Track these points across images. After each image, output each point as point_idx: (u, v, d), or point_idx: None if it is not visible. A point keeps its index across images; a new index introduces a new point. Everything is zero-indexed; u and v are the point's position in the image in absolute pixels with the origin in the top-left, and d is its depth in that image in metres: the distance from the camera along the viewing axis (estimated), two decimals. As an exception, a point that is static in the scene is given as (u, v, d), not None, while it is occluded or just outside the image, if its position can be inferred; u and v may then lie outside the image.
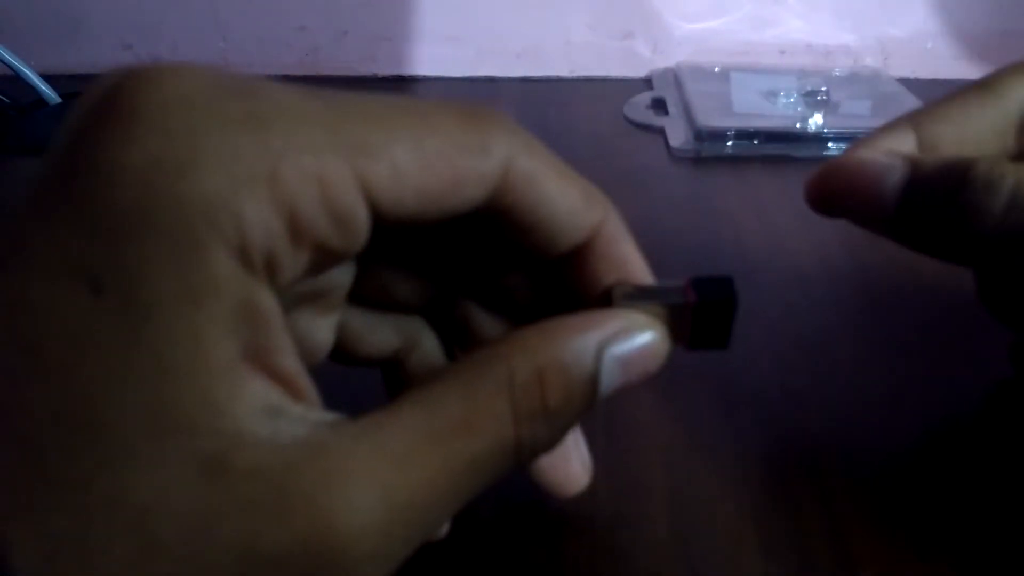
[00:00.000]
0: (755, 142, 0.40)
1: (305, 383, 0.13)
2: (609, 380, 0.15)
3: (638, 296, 0.16)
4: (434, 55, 0.48)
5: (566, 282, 0.17)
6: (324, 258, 0.13)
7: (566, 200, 0.15)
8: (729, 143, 0.40)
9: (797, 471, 0.22)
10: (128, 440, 0.11)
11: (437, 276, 0.18)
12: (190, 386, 0.11)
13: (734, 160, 0.40)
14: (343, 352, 0.18)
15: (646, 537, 0.20)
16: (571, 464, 0.19)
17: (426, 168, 0.13)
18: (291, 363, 0.13)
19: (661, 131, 0.42)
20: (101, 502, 0.11)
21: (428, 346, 0.19)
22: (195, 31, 0.47)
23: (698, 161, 0.40)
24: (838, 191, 0.19)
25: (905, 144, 0.20)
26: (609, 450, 0.22)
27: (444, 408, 0.13)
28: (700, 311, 0.16)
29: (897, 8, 0.49)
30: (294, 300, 0.15)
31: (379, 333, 0.18)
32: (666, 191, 0.37)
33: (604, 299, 0.16)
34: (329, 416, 0.13)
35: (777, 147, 0.40)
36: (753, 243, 0.32)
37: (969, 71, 0.50)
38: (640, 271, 0.17)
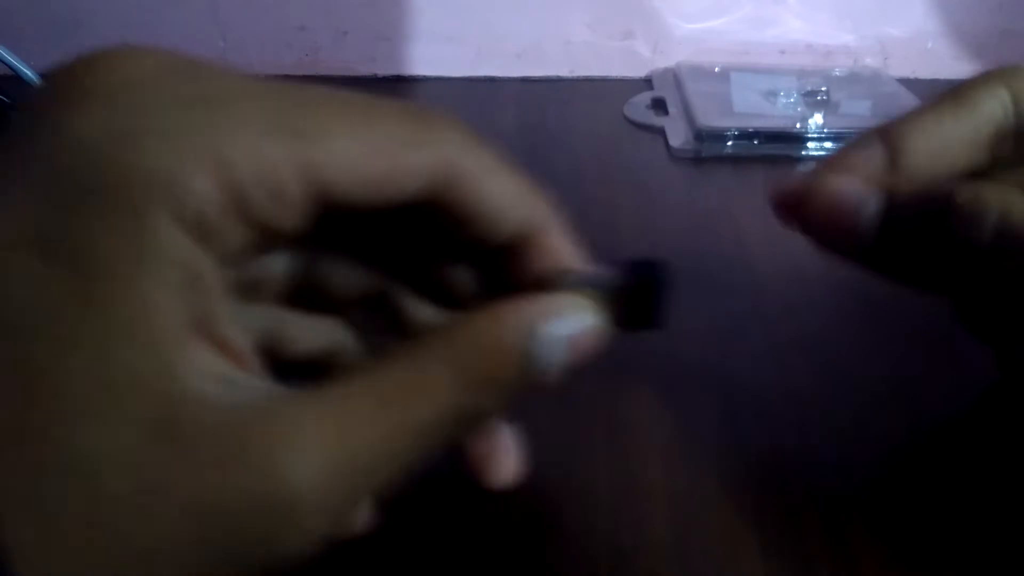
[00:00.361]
0: (755, 142, 0.40)
1: (251, 357, 0.14)
2: (553, 357, 0.16)
3: (576, 281, 0.17)
4: (434, 55, 0.48)
5: (508, 279, 0.17)
6: (263, 237, 0.14)
7: (503, 196, 0.16)
8: (729, 143, 0.40)
9: (797, 471, 0.22)
10: (81, 398, 0.11)
11: (379, 265, 0.18)
12: (141, 349, 0.12)
13: (734, 160, 0.40)
14: (277, 350, 0.18)
15: (646, 537, 0.20)
16: (503, 453, 0.19)
17: (364, 156, 0.14)
18: (236, 335, 0.13)
19: (661, 131, 0.42)
20: (54, 456, 0.11)
21: (353, 351, 0.19)
22: (195, 31, 0.47)
23: (698, 161, 0.40)
24: (811, 222, 0.19)
25: (875, 159, 0.19)
26: (609, 450, 0.22)
27: (390, 376, 0.14)
28: (635, 293, 0.17)
29: (897, 8, 0.49)
30: (232, 287, 0.16)
31: (314, 328, 0.18)
32: (666, 191, 0.37)
33: (545, 286, 0.17)
34: (279, 388, 0.13)
35: (777, 147, 0.40)
36: (753, 243, 0.32)
37: (969, 71, 0.50)
38: (579, 261, 0.17)
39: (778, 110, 0.43)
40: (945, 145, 0.19)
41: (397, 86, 0.48)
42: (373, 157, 0.14)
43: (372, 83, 0.48)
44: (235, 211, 0.13)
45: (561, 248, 0.17)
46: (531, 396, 0.19)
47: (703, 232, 0.33)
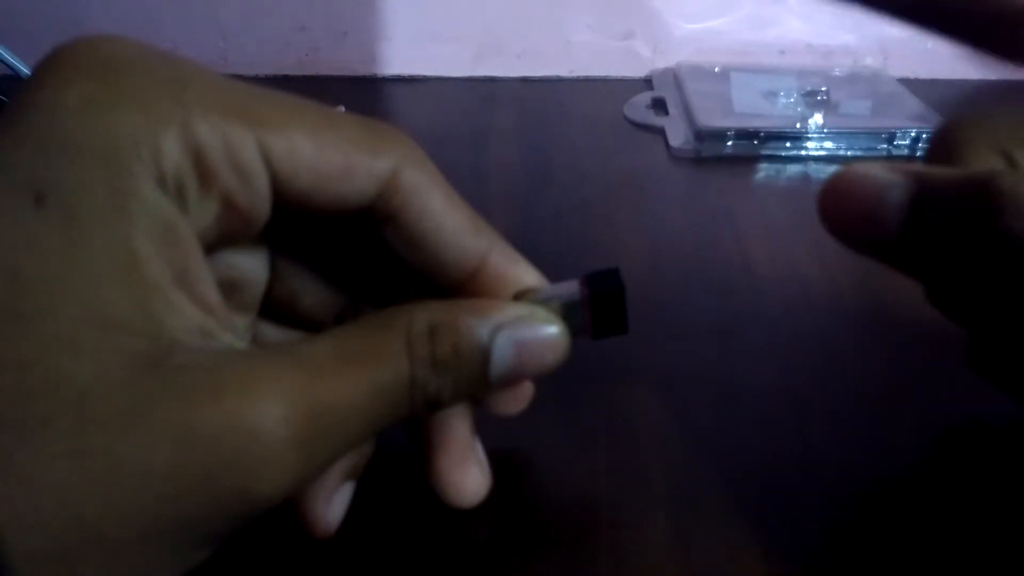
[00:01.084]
0: (755, 142, 0.40)
1: (230, 319, 0.15)
2: (501, 359, 0.17)
3: (538, 297, 0.18)
4: (434, 55, 0.48)
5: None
6: (233, 217, 0.15)
7: (451, 218, 0.17)
8: (729, 143, 0.40)
9: (797, 472, 0.22)
10: (69, 331, 0.12)
11: (343, 287, 0.19)
12: (129, 293, 0.13)
13: (734, 160, 0.40)
14: None
15: (646, 538, 0.20)
16: (469, 470, 0.19)
17: (321, 152, 0.15)
18: (215, 296, 0.14)
19: (661, 131, 0.42)
20: (42, 382, 0.12)
21: None
22: (195, 31, 0.47)
23: (698, 161, 0.40)
24: (832, 211, 0.17)
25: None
26: (609, 451, 0.22)
27: (353, 339, 0.15)
28: (595, 303, 0.18)
29: None
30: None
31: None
32: (666, 191, 0.37)
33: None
34: (252, 346, 0.15)
35: (777, 147, 0.40)
36: (753, 243, 0.32)
37: (968, 71, 0.50)
38: (540, 285, 0.19)
39: (778, 110, 0.43)
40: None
41: (397, 86, 0.48)
42: (329, 154, 0.15)
43: (372, 83, 0.48)
44: (203, 181, 0.14)
45: (524, 277, 0.18)
46: (484, 396, 0.20)
47: (703, 232, 0.33)
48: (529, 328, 0.17)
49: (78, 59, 0.14)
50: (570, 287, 0.18)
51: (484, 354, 0.16)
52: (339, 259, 0.19)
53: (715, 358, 0.26)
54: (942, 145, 0.18)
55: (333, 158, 0.16)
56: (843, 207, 0.16)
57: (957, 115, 0.18)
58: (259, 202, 0.15)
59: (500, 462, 0.20)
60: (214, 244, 0.16)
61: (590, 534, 0.20)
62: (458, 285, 0.18)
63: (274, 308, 0.19)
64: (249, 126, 0.15)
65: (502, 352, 0.17)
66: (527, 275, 0.18)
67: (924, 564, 0.19)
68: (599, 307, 0.18)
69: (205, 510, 0.13)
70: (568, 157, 0.39)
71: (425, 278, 0.18)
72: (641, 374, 0.25)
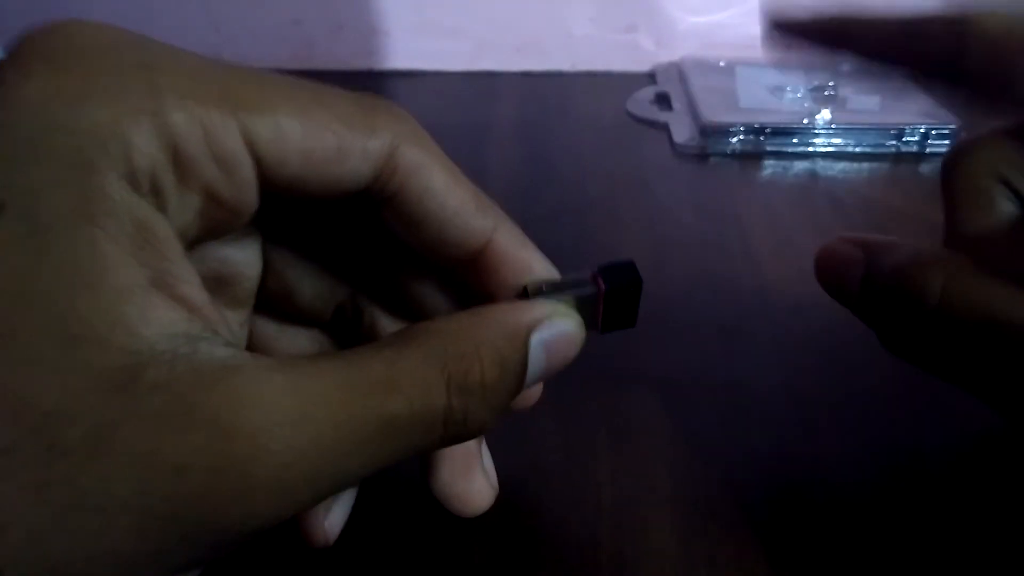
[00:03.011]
0: (761, 138, 0.40)
1: (220, 318, 0.14)
2: (536, 365, 0.16)
3: (550, 291, 0.17)
4: (432, 49, 0.48)
5: (474, 292, 0.17)
6: (217, 211, 0.14)
7: (454, 197, 0.16)
8: (735, 139, 0.40)
9: (804, 475, 0.21)
10: (35, 347, 0.11)
11: (341, 277, 0.18)
12: (97, 302, 0.12)
13: (740, 156, 0.39)
14: None
15: (649, 545, 0.19)
16: (475, 478, 0.19)
17: (311, 134, 0.14)
18: (200, 295, 0.13)
19: (665, 127, 0.42)
20: (4, 405, 0.11)
21: None
22: (188, 25, 0.46)
23: (703, 157, 0.39)
24: (819, 277, 0.21)
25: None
26: (611, 453, 0.22)
27: (366, 366, 0.14)
28: (610, 297, 0.17)
29: (904, 4, 0.49)
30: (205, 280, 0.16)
31: (290, 340, 0.19)
32: (670, 188, 0.37)
33: (520, 296, 0.17)
34: (246, 352, 0.13)
35: (784, 143, 0.40)
36: (759, 241, 0.32)
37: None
38: (547, 273, 0.18)
39: (785, 105, 0.42)
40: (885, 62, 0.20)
41: (395, 81, 0.47)
42: (320, 136, 0.14)
43: (369, 78, 0.48)
44: (182, 175, 0.13)
45: (531, 262, 0.17)
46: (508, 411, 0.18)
47: (708, 230, 0.33)
48: (553, 327, 0.16)
49: (42, 48, 0.13)
50: (581, 279, 0.18)
51: (525, 364, 0.15)
52: (337, 246, 0.18)
53: (720, 358, 0.26)
54: (948, 171, 0.21)
55: (324, 140, 0.14)
56: (823, 272, 0.20)
57: (965, 139, 0.21)
58: (245, 192, 0.14)
59: (500, 466, 0.20)
60: (199, 239, 0.15)
61: (592, 542, 0.19)
62: (462, 266, 0.17)
63: (270, 302, 0.18)
64: (230, 111, 0.13)
65: (536, 358, 0.16)
66: (534, 259, 0.17)
67: (932, 565, 0.19)
68: (613, 302, 0.18)
69: (177, 544, 0.12)
70: (570, 153, 0.39)
71: (428, 261, 0.17)
72: (645, 374, 0.25)
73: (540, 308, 0.16)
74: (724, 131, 0.40)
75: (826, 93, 0.43)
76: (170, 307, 0.13)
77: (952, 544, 0.20)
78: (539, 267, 0.17)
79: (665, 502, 0.21)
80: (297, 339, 0.19)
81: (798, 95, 0.43)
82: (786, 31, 0.21)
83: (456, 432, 0.14)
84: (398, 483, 0.20)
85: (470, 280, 0.17)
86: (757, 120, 0.40)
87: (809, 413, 0.23)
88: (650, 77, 0.48)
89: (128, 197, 0.13)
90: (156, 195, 0.13)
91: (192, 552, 0.12)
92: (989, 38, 0.18)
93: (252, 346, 0.18)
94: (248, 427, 0.12)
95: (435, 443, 0.14)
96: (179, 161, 0.13)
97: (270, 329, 0.18)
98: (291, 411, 0.12)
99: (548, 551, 0.19)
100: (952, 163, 0.21)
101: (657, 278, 0.29)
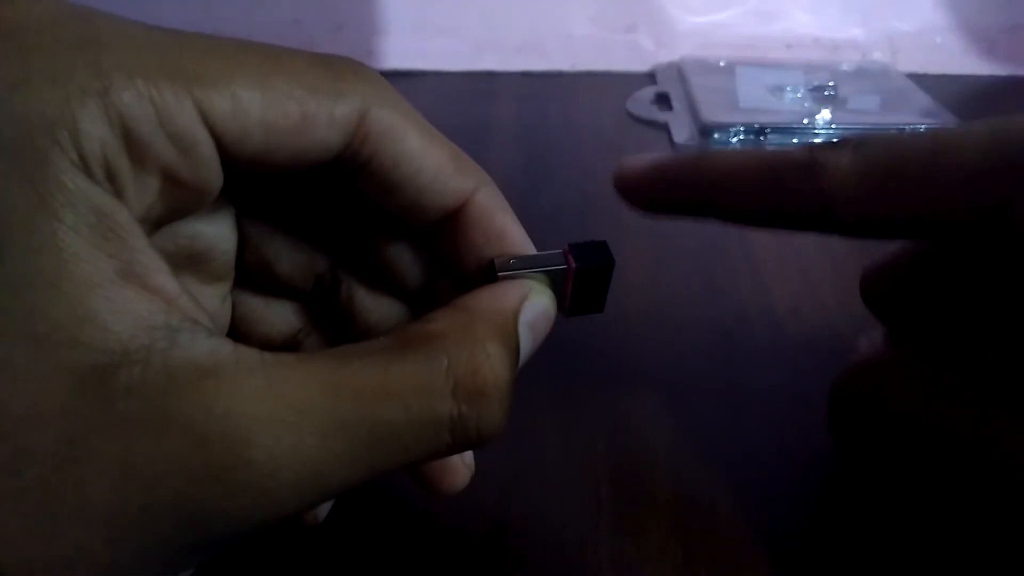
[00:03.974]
0: (761, 138, 0.39)
1: (197, 307, 0.13)
2: (524, 350, 0.15)
3: (519, 266, 0.16)
4: (432, 49, 0.48)
5: (446, 256, 0.17)
6: (179, 192, 0.13)
7: (431, 159, 0.15)
8: (735, 139, 0.40)
9: (805, 477, 0.21)
10: (2, 349, 0.11)
11: (319, 247, 0.18)
12: (62, 298, 0.11)
13: (739, 156, 0.39)
14: (239, 335, 0.18)
15: (648, 547, 0.19)
16: (454, 471, 0.18)
17: (272, 105, 0.13)
18: (171, 284, 0.13)
19: (665, 126, 0.42)
20: None
21: (317, 342, 0.19)
22: (188, 24, 0.46)
23: (703, 157, 0.39)
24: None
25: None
26: (610, 454, 0.22)
27: (357, 369, 0.13)
28: (580, 276, 0.17)
29: (905, 2, 0.49)
30: (174, 263, 0.15)
31: (275, 314, 0.18)
32: (670, 188, 0.36)
33: (488, 271, 0.16)
34: (227, 342, 0.12)
35: (784, 143, 0.39)
36: (759, 242, 0.32)
37: (978, 66, 0.50)
38: (521, 241, 0.17)
39: (785, 105, 0.42)
40: (750, 220, 0.19)
41: (394, 81, 0.47)
42: (282, 106, 0.13)
43: (369, 78, 0.47)
44: (135, 157, 0.13)
45: (506, 229, 0.16)
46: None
47: (708, 231, 0.33)
48: (533, 306, 0.16)
49: None
50: (551, 254, 0.17)
51: (519, 353, 0.15)
52: (311, 216, 0.18)
53: (720, 359, 0.25)
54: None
55: (287, 109, 0.13)
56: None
57: (853, 364, 0.21)
58: (206, 170, 0.13)
59: (500, 466, 0.20)
60: (163, 220, 0.14)
61: (590, 543, 0.19)
62: (438, 229, 0.16)
63: (250, 275, 0.17)
64: (183, 85, 0.13)
65: (524, 341, 0.15)
66: (508, 225, 0.17)
67: (932, 566, 0.19)
68: (583, 282, 0.17)
69: (156, 549, 0.12)
70: (569, 153, 0.39)
71: (404, 226, 0.17)
72: (644, 375, 0.25)
73: (520, 288, 0.16)
74: (724, 131, 0.40)
75: (826, 93, 0.43)
76: (143, 298, 0.12)
77: (952, 544, 0.19)
78: (513, 233, 0.17)
79: (665, 502, 0.20)
80: (282, 312, 0.18)
81: (798, 95, 0.43)
82: (635, 190, 0.20)
83: (467, 439, 0.14)
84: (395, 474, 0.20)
85: (443, 244, 0.17)
86: (757, 120, 0.40)
87: (809, 413, 0.23)
88: (650, 77, 0.48)
89: (84, 185, 0.12)
90: (111, 180, 0.12)
91: (175, 557, 0.12)
92: (849, 189, 0.17)
93: (236, 321, 0.18)
94: (225, 435, 0.11)
95: (442, 451, 0.14)
96: (132, 143, 0.12)
97: (253, 303, 0.18)
98: (272, 418, 0.12)
99: (548, 551, 0.19)
100: (871, 291, 0.22)
101: (657, 278, 0.29)
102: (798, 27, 0.49)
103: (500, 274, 0.16)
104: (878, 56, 0.49)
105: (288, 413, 0.12)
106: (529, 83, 0.47)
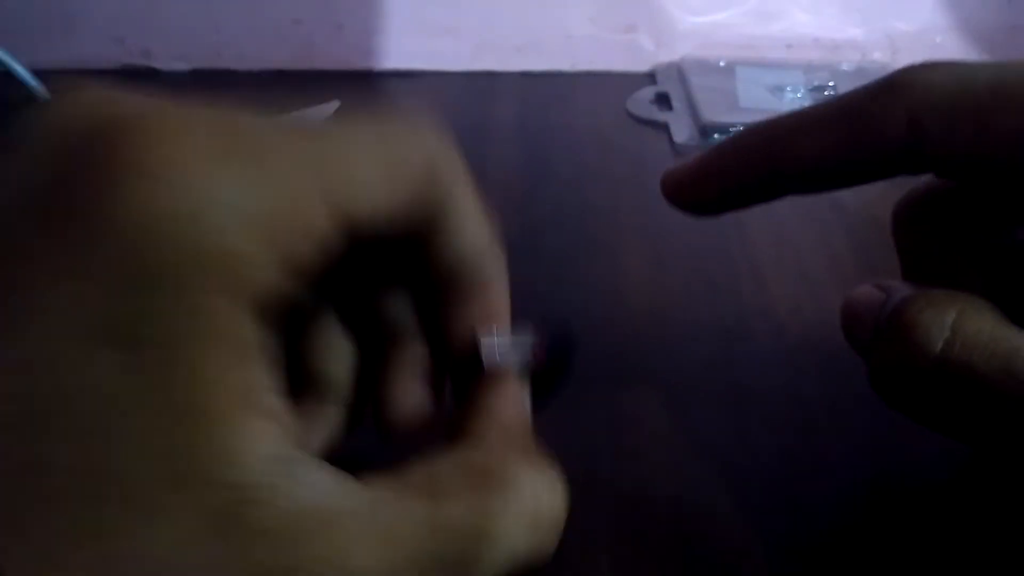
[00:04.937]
0: (761, 138, 0.39)
1: (288, 418, 0.13)
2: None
3: (503, 352, 0.17)
4: (431, 49, 0.48)
5: (439, 314, 0.17)
6: (305, 282, 0.14)
7: (475, 240, 0.16)
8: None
9: (804, 475, 0.21)
10: (149, 492, 0.11)
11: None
12: (200, 433, 0.12)
13: (739, 156, 0.39)
14: None
15: (648, 547, 0.19)
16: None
17: (392, 198, 0.14)
18: (278, 402, 0.13)
19: (665, 126, 0.41)
20: (121, 554, 0.11)
21: None
22: (188, 24, 0.46)
23: (703, 157, 0.39)
24: (843, 326, 0.19)
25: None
26: (610, 455, 0.22)
27: (453, 509, 0.13)
28: (541, 377, 0.17)
29: (905, 2, 0.49)
30: None
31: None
32: (670, 188, 0.36)
33: (473, 352, 0.17)
34: (330, 474, 0.13)
35: (784, 143, 0.39)
36: (759, 242, 0.32)
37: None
38: (505, 317, 0.17)
39: (785, 105, 0.42)
40: (830, 173, 0.18)
41: (394, 81, 0.47)
42: (399, 195, 0.14)
43: (368, 78, 0.47)
44: (288, 272, 0.13)
45: (499, 303, 0.17)
46: None
47: (708, 231, 0.33)
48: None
49: (135, 156, 0.12)
50: (527, 342, 0.17)
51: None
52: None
53: (721, 360, 0.25)
54: (900, 226, 0.19)
55: (400, 184, 0.14)
56: (844, 318, 0.19)
57: (914, 189, 0.19)
58: (324, 261, 0.14)
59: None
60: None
61: (590, 543, 0.19)
62: (442, 298, 0.17)
63: None
64: (322, 197, 0.13)
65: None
66: (505, 303, 0.17)
67: (932, 566, 0.19)
68: (544, 381, 0.17)
69: None
70: (569, 153, 0.39)
71: (406, 282, 0.17)
72: (644, 377, 0.25)
73: (522, 403, 0.17)
74: (724, 131, 0.39)
75: (826, 93, 0.43)
76: (262, 426, 0.12)
77: (951, 544, 0.19)
78: (503, 315, 0.17)
79: (665, 502, 0.20)
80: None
81: (798, 95, 0.43)
82: (691, 187, 0.19)
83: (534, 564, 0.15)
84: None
85: (438, 295, 0.17)
86: (757, 120, 0.40)
87: (809, 413, 0.23)
88: (650, 77, 0.48)
89: (237, 317, 0.12)
90: (266, 302, 0.13)
91: None
92: (941, 109, 0.15)
93: None
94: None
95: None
96: (286, 260, 0.13)
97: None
98: (383, 568, 0.12)
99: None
100: (903, 222, 0.19)
101: (657, 278, 0.29)
102: (798, 27, 0.49)
103: (487, 362, 0.17)
104: (878, 56, 0.49)
105: (398, 558, 0.12)
106: (529, 83, 0.47)
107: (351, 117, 0.14)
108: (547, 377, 0.17)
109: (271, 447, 0.12)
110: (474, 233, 0.16)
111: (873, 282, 0.18)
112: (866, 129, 0.16)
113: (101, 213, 0.12)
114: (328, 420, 0.17)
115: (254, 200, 0.12)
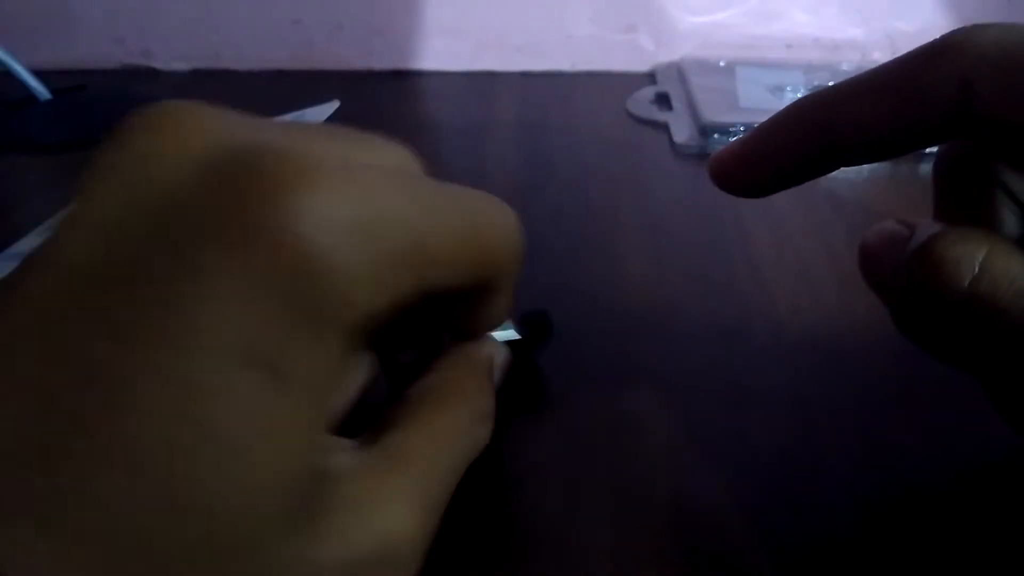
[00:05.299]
0: (761, 138, 0.39)
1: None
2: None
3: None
4: (432, 49, 0.48)
5: (447, 311, 0.18)
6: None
7: (505, 308, 0.17)
8: (735, 139, 0.39)
9: (805, 477, 0.21)
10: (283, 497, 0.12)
11: None
12: (307, 462, 0.13)
13: (740, 156, 0.39)
14: None
15: (647, 548, 0.19)
16: None
17: (460, 237, 0.15)
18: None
19: (665, 127, 0.42)
20: (286, 562, 0.12)
21: None
22: (188, 25, 0.46)
23: (703, 157, 0.39)
24: (860, 264, 0.20)
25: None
26: (609, 455, 0.22)
27: (438, 428, 0.16)
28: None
29: (905, 2, 0.49)
30: None
31: None
32: (670, 188, 0.37)
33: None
34: (347, 442, 0.15)
35: (784, 143, 0.39)
36: (760, 242, 0.32)
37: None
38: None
39: (785, 105, 0.42)
40: (887, 139, 0.17)
41: (394, 81, 0.47)
42: (471, 266, 0.15)
43: (368, 78, 0.47)
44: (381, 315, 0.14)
45: (502, 306, 0.18)
46: None
47: (708, 231, 0.33)
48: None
49: (274, 207, 0.12)
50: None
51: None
52: None
53: (720, 360, 0.25)
54: (942, 172, 0.19)
55: (468, 277, 0.15)
56: (863, 253, 0.19)
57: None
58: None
59: (499, 467, 0.20)
60: None
61: (589, 544, 0.19)
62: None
63: None
64: (410, 270, 0.13)
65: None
66: (507, 307, 0.18)
67: (932, 566, 0.19)
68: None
69: None
70: (569, 153, 0.39)
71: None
72: (645, 375, 0.25)
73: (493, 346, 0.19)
74: (724, 131, 0.40)
75: (826, 93, 0.43)
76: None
77: (952, 545, 0.19)
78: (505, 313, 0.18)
79: (665, 502, 0.20)
80: None
81: (798, 95, 0.43)
82: (743, 176, 0.19)
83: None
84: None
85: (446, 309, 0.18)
86: (757, 120, 0.39)
87: (809, 413, 0.23)
88: (650, 77, 0.48)
89: (346, 349, 0.13)
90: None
91: None
92: (993, 69, 0.15)
93: None
94: (397, 520, 0.14)
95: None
96: (387, 306, 0.13)
97: None
98: (417, 493, 0.14)
99: (547, 551, 0.19)
100: (946, 164, 0.19)
101: (657, 278, 0.29)
102: (798, 27, 0.49)
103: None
104: (878, 56, 0.49)
105: (424, 487, 0.15)
106: (529, 83, 0.47)
107: (444, 186, 0.15)
108: (527, 342, 0.19)
109: (308, 433, 0.13)
110: (505, 306, 0.17)
111: (895, 219, 0.18)
112: (919, 92, 0.16)
113: (265, 240, 0.12)
114: (363, 367, 0.18)
115: (377, 259, 0.13)
